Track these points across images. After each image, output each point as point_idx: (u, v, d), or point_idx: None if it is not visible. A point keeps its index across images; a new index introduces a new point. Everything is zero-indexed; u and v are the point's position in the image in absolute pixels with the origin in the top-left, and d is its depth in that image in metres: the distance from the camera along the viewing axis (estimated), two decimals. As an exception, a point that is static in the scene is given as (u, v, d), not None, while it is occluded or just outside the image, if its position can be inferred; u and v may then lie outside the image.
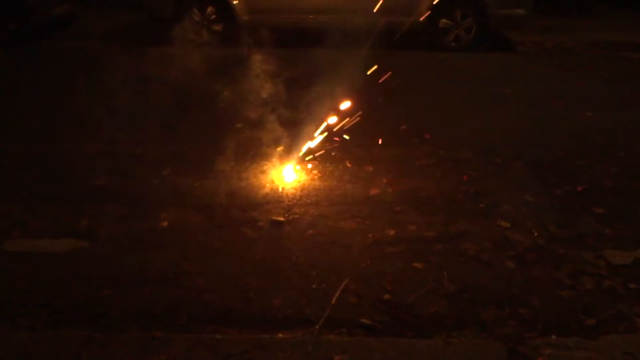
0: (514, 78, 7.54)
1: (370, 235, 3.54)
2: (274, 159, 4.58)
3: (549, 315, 2.84)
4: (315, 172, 4.39)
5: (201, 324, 2.73)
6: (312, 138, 4.85)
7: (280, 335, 2.65)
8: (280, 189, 4.14)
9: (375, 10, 8.82)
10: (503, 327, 2.75)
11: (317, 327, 2.72)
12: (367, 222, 3.70)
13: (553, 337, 2.68)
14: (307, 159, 4.59)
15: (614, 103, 6.42)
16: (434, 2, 8.74)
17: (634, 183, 4.36)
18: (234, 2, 8.72)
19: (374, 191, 4.13)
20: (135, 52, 8.58)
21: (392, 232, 3.57)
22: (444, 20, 8.83)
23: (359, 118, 5.11)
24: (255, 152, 4.71)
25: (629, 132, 5.47)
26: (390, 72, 7.62)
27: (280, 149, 4.77)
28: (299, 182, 4.26)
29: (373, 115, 5.81)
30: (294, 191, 4.13)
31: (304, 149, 4.70)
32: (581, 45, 9.41)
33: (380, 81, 7.14)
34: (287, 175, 4.34)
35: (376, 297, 2.94)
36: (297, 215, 3.76)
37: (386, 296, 2.95)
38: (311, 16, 8.83)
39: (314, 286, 3.02)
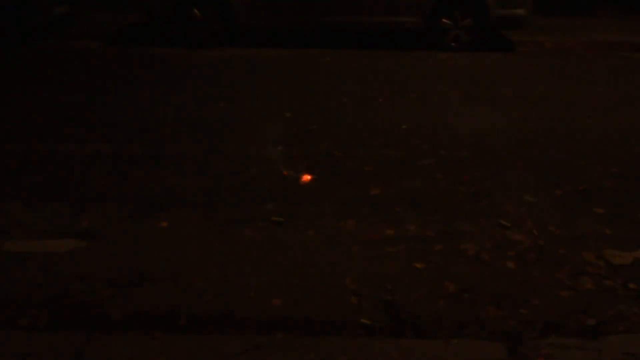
0: (514, 78, 7.54)
1: (370, 235, 3.54)
2: (274, 159, 4.58)
3: (549, 315, 2.83)
4: (315, 171, 4.39)
5: (201, 324, 2.73)
6: (312, 138, 4.85)
7: (280, 335, 2.65)
8: (280, 189, 4.14)
9: (375, 11, 8.86)
10: (503, 327, 2.75)
11: (317, 327, 2.72)
12: (367, 222, 3.70)
13: (553, 337, 2.68)
14: (306, 158, 4.59)
15: (614, 103, 6.42)
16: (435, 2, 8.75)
17: (634, 183, 4.37)
18: (234, 2, 8.72)
19: (374, 191, 4.13)
20: (135, 52, 8.59)
21: (392, 232, 3.57)
22: (444, 20, 8.83)
23: (358, 118, 5.11)
24: (255, 152, 4.72)
25: (628, 132, 5.47)
26: (389, 72, 7.63)
27: (280, 148, 4.78)
28: (299, 182, 4.26)
29: (373, 115, 5.82)
30: (294, 191, 4.12)
31: (304, 149, 4.71)
32: (581, 45, 9.41)
33: (380, 81, 7.16)
34: (287, 175, 4.33)
35: (376, 297, 2.94)
36: (297, 215, 3.75)
37: (386, 296, 2.95)
38: (312, 16, 8.83)
39: (314, 286, 3.02)
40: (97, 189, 4.11)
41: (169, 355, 2.51)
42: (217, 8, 8.77)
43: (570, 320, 2.80)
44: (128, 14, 10.08)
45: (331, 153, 4.75)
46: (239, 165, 4.49)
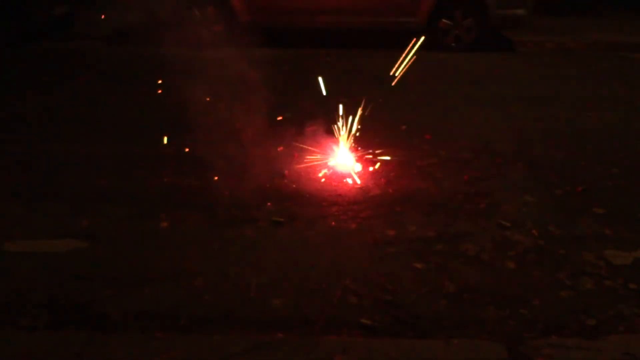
0: (514, 78, 7.54)
1: (371, 235, 3.54)
2: (274, 159, 4.57)
3: (549, 315, 2.84)
4: (315, 172, 4.39)
5: (201, 324, 2.73)
6: (311, 138, 4.85)
7: (280, 335, 2.65)
8: (280, 189, 4.14)
9: (376, 11, 8.86)
10: (503, 327, 2.75)
11: (317, 327, 2.72)
12: (367, 222, 3.70)
13: (553, 337, 2.68)
14: (307, 158, 4.59)
15: (614, 103, 6.42)
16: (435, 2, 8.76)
17: (634, 183, 4.36)
18: (234, 2, 8.72)
19: (374, 191, 4.13)
20: (135, 52, 8.59)
21: (392, 233, 3.57)
22: (444, 20, 8.83)
23: (359, 118, 5.11)
24: (255, 152, 4.71)
25: (629, 132, 5.47)
26: (390, 72, 7.63)
27: (280, 149, 4.78)
28: (299, 182, 4.26)
29: (373, 115, 5.81)
30: (294, 191, 4.12)
31: (304, 149, 4.70)
32: (581, 45, 9.42)
33: (380, 81, 7.15)
34: (287, 175, 4.33)
35: (376, 297, 2.94)
36: (297, 215, 3.75)
37: (386, 296, 2.95)
38: (312, 17, 8.83)
39: (314, 286, 3.02)
40: (97, 189, 4.11)
41: (169, 355, 2.51)
42: (217, 8, 8.78)
43: (571, 320, 2.80)
44: (128, 14, 10.07)
45: (331, 153, 4.74)
46: (239, 165, 4.49)
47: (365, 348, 2.57)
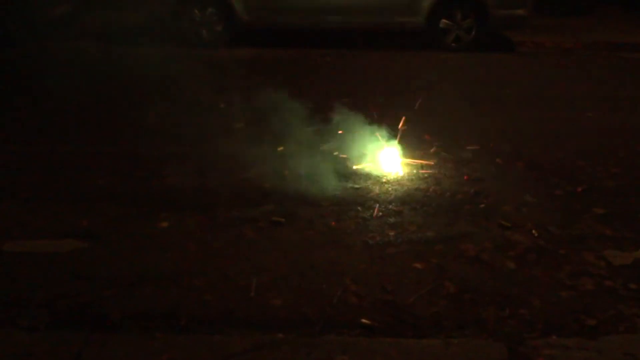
0: (514, 78, 7.54)
1: (370, 235, 3.54)
2: (274, 160, 4.57)
3: (549, 315, 2.84)
4: (315, 172, 4.39)
5: (201, 324, 2.73)
6: (312, 138, 4.85)
7: (280, 335, 2.65)
8: (280, 189, 4.14)
9: (376, 11, 8.86)
10: (503, 328, 2.75)
11: (317, 327, 2.72)
12: (367, 222, 3.70)
13: (553, 337, 2.68)
14: (306, 159, 4.58)
15: (613, 103, 6.42)
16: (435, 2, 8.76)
17: (634, 183, 4.37)
18: (235, 2, 8.72)
19: (374, 191, 4.13)
20: (135, 52, 8.58)
21: (392, 233, 3.57)
22: (444, 21, 8.83)
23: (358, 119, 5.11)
24: (254, 153, 4.71)
25: (629, 132, 5.47)
26: (390, 72, 7.64)
27: (280, 149, 4.78)
28: (299, 182, 4.26)
29: (374, 116, 5.81)
30: (295, 191, 4.12)
31: (304, 150, 4.70)
32: (581, 45, 9.42)
33: (380, 81, 7.15)
34: (287, 175, 4.33)
35: (376, 297, 2.94)
36: (297, 215, 3.75)
37: (386, 296, 2.95)
38: (312, 17, 8.83)
39: (314, 286, 3.02)
40: (97, 189, 4.11)
41: (169, 355, 2.51)
42: (217, 8, 8.78)
43: (571, 321, 2.80)
44: (128, 14, 10.07)
45: (331, 154, 4.75)
46: (239, 165, 4.49)
47: (365, 348, 2.57)
